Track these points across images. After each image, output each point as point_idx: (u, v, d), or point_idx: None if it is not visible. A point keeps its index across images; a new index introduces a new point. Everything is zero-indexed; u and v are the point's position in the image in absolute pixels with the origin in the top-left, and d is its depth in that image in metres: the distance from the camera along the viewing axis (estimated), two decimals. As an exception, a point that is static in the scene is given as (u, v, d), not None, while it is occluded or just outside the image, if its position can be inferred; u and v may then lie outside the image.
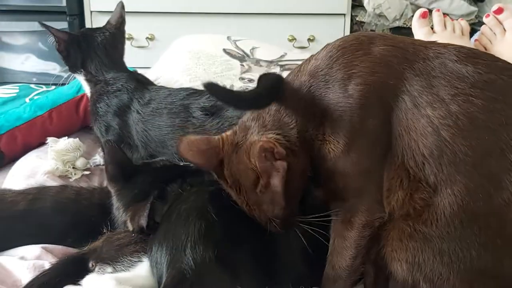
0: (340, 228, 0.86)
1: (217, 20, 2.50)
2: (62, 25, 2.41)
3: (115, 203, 1.02)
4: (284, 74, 1.58)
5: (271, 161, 0.78)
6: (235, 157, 0.84)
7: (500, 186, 0.76)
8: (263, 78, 0.81)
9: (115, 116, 1.23)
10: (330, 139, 0.81)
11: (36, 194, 1.05)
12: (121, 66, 1.32)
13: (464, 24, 1.46)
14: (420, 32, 1.44)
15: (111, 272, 0.88)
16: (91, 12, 2.47)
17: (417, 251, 0.80)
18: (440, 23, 1.44)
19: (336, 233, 0.87)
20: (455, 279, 0.79)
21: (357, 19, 2.57)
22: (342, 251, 0.86)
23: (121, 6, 1.36)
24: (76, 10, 2.47)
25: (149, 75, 1.48)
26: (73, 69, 1.32)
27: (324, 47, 0.86)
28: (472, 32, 1.52)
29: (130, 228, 0.93)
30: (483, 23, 1.44)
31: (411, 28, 1.50)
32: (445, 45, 0.84)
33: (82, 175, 1.30)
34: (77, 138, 1.35)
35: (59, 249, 0.99)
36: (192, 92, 1.22)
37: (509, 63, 0.84)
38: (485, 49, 1.41)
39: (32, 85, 1.62)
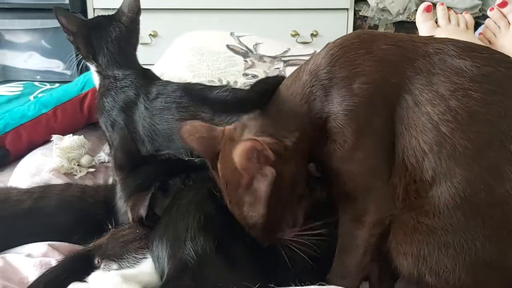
0: (349, 226, 0.85)
1: (220, 16, 2.50)
2: (65, 22, 2.42)
3: (118, 192, 1.02)
4: (288, 69, 1.60)
5: (258, 164, 0.78)
6: (228, 152, 0.83)
7: (501, 177, 0.77)
8: (257, 83, 0.82)
9: (121, 111, 1.22)
10: (335, 138, 0.81)
11: (41, 192, 1.05)
12: (133, 62, 1.29)
13: (468, 17, 1.46)
14: (424, 26, 1.44)
15: (117, 269, 0.88)
16: (94, 9, 2.47)
17: (421, 244, 0.80)
18: (444, 17, 1.43)
19: (345, 231, 0.86)
20: (460, 271, 0.79)
21: (360, 13, 2.56)
22: (351, 249, 0.86)
23: None
24: (79, 7, 2.46)
25: (153, 72, 1.48)
26: (86, 58, 1.28)
27: (325, 46, 0.86)
28: (477, 25, 1.52)
29: (130, 218, 0.94)
30: (487, 17, 1.43)
31: (414, 23, 1.50)
32: (443, 41, 0.84)
33: (87, 172, 1.30)
34: (82, 136, 1.36)
35: (66, 246, 0.99)
36: (201, 88, 1.21)
37: (506, 55, 0.84)
38: (490, 42, 1.41)
39: (36, 83, 1.63)
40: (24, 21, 2.47)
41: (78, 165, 1.30)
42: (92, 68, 1.28)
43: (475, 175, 0.77)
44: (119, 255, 0.89)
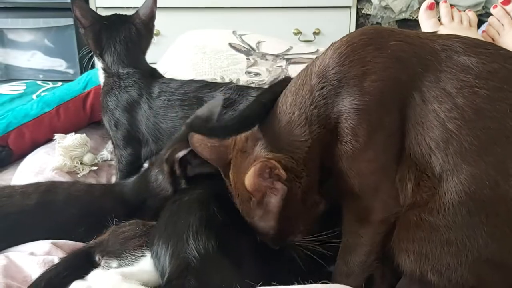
0: (354, 225, 0.85)
1: (223, 15, 2.50)
2: (68, 21, 2.42)
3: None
4: (290, 67, 1.60)
5: (270, 180, 0.78)
6: (239, 164, 0.84)
7: (507, 174, 0.77)
8: (263, 93, 0.84)
9: (124, 111, 1.22)
10: (347, 138, 0.80)
11: (48, 186, 1.06)
12: (139, 63, 1.28)
13: (471, 15, 1.45)
14: (427, 23, 1.44)
15: (116, 267, 0.88)
16: (96, 8, 2.47)
17: (424, 241, 0.80)
18: (448, 15, 1.43)
19: (350, 230, 0.86)
20: (463, 269, 0.79)
21: (362, 11, 2.56)
22: (356, 248, 0.86)
23: (153, 0, 1.28)
24: (82, 6, 2.47)
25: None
26: (94, 53, 1.28)
27: (330, 46, 0.84)
28: (480, 23, 1.51)
29: (165, 168, 0.98)
30: (491, 14, 1.43)
31: (417, 20, 1.50)
32: (450, 37, 0.84)
33: (90, 170, 1.31)
34: (84, 134, 1.36)
35: (69, 244, 0.99)
36: (205, 85, 1.21)
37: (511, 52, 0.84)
38: (493, 40, 1.41)
39: (39, 82, 1.63)
40: (27, 20, 2.48)
41: (81, 163, 1.30)
42: (99, 64, 1.28)
43: (482, 172, 0.77)
44: (118, 252, 0.90)
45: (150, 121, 1.20)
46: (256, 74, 1.56)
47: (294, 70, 1.47)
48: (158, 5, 1.30)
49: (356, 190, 0.83)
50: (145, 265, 0.87)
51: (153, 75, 1.28)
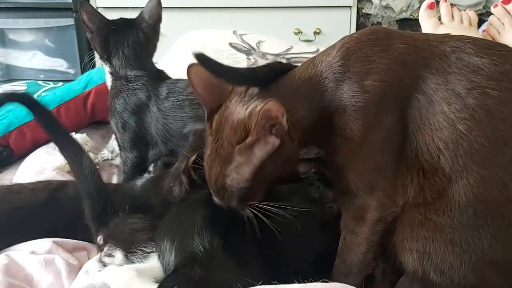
0: (351, 224, 0.86)
1: (223, 15, 2.50)
2: (69, 21, 2.42)
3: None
4: (291, 67, 1.59)
5: (268, 126, 0.76)
6: (237, 105, 0.81)
7: None
8: (273, 63, 0.81)
9: (132, 114, 1.21)
10: (342, 133, 0.80)
11: (59, 184, 1.06)
12: (147, 65, 1.27)
13: (472, 14, 1.45)
14: (427, 23, 1.44)
15: (121, 259, 0.89)
16: (97, 8, 2.47)
17: (427, 240, 0.80)
18: (448, 14, 1.43)
19: (347, 228, 0.86)
20: (466, 269, 0.79)
21: (363, 11, 2.56)
22: (353, 247, 0.86)
23: (158, 2, 1.28)
24: (82, 6, 2.47)
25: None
26: (101, 58, 1.28)
27: (340, 39, 0.85)
28: (480, 22, 1.51)
29: (184, 180, 0.98)
30: (491, 13, 1.43)
31: (418, 20, 1.50)
32: (461, 38, 0.83)
33: (91, 170, 1.31)
34: (85, 134, 1.36)
35: (70, 243, 1.00)
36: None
37: None
38: (493, 39, 1.40)
39: (40, 82, 1.63)
40: (28, 20, 2.48)
41: (82, 163, 1.30)
42: (106, 68, 1.28)
43: (491, 173, 0.77)
44: (127, 242, 0.89)
45: (160, 122, 1.20)
46: (257, 74, 1.56)
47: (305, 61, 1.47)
48: (159, 6, 1.30)
49: (352, 188, 0.83)
50: (155, 261, 0.88)
51: (160, 76, 1.27)
